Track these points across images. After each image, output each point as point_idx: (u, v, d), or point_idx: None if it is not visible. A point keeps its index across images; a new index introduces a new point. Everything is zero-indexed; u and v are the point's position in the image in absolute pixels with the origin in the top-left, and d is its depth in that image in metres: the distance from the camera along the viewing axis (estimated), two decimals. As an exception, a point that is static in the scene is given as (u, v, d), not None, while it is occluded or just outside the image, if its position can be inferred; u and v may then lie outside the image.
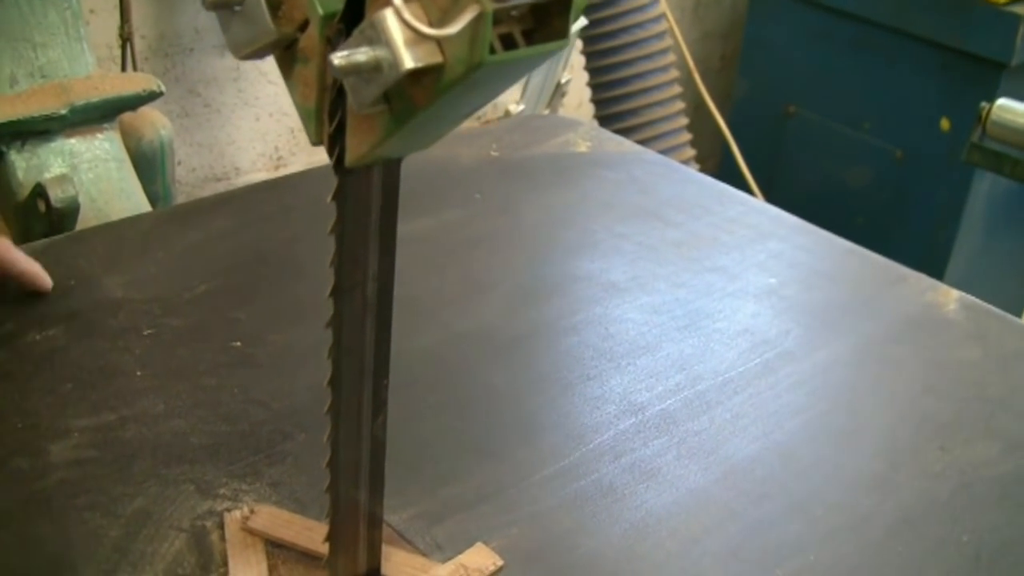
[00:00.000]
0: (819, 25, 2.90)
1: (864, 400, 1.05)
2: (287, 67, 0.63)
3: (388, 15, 0.52)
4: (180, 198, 2.26)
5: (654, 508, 0.89)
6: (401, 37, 0.52)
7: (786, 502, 0.91)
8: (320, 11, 0.59)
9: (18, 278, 1.08)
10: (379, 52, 0.53)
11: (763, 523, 0.89)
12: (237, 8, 0.61)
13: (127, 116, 1.55)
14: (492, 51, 0.53)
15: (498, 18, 0.53)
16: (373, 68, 0.53)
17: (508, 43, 0.54)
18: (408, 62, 0.52)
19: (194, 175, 2.51)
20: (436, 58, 0.53)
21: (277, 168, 2.63)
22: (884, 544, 0.88)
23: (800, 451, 0.97)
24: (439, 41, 0.53)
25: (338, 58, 0.53)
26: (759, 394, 1.04)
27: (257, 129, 2.57)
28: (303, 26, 0.61)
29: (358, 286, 0.67)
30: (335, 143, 0.62)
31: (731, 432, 0.98)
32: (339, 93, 0.60)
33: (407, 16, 0.50)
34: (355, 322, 0.69)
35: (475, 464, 0.93)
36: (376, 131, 0.58)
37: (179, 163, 2.44)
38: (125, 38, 2.09)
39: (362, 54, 0.53)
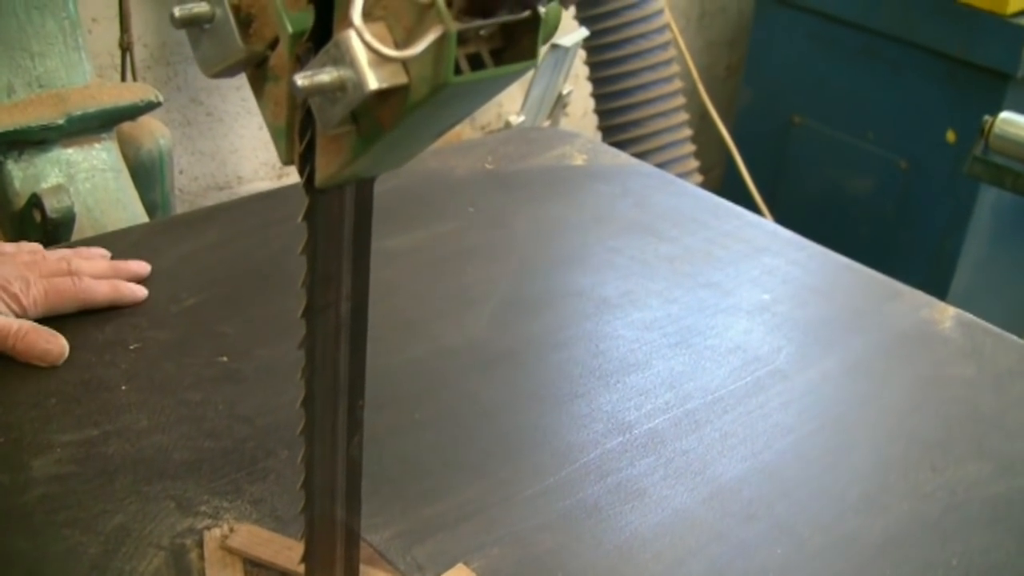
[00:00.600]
0: (825, 35, 2.89)
1: (854, 419, 1.04)
2: (258, 85, 0.62)
3: (351, 35, 0.51)
4: (182, 207, 2.27)
5: (639, 529, 0.88)
6: (365, 57, 0.51)
7: (772, 523, 0.90)
8: (289, 29, 0.58)
9: (106, 306, 1.08)
10: (343, 72, 0.52)
11: (749, 545, 0.88)
12: (207, 26, 0.61)
13: (126, 125, 1.54)
14: (458, 71, 0.52)
15: (466, 37, 0.52)
16: (337, 88, 0.52)
17: (476, 63, 0.53)
18: (372, 83, 0.52)
19: (196, 184, 2.51)
20: (401, 79, 0.52)
21: (280, 177, 2.63)
22: (871, 566, 0.87)
23: (788, 471, 0.96)
24: (404, 62, 0.52)
25: (301, 78, 0.52)
26: (749, 413, 1.03)
27: (260, 137, 2.56)
28: (273, 44, 0.60)
29: (331, 306, 0.67)
30: (305, 162, 0.61)
31: (719, 452, 0.97)
32: (309, 112, 0.59)
33: (368, 37, 0.50)
34: (328, 343, 0.68)
35: (458, 482, 0.92)
36: (344, 151, 0.58)
37: (181, 172, 2.44)
38: (125, 47, 2.09)
39: (326, 74, 0.52)
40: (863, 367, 1.12)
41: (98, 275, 1.09)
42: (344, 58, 0.52)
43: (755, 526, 0.90)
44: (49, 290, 1.04)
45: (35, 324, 1.02)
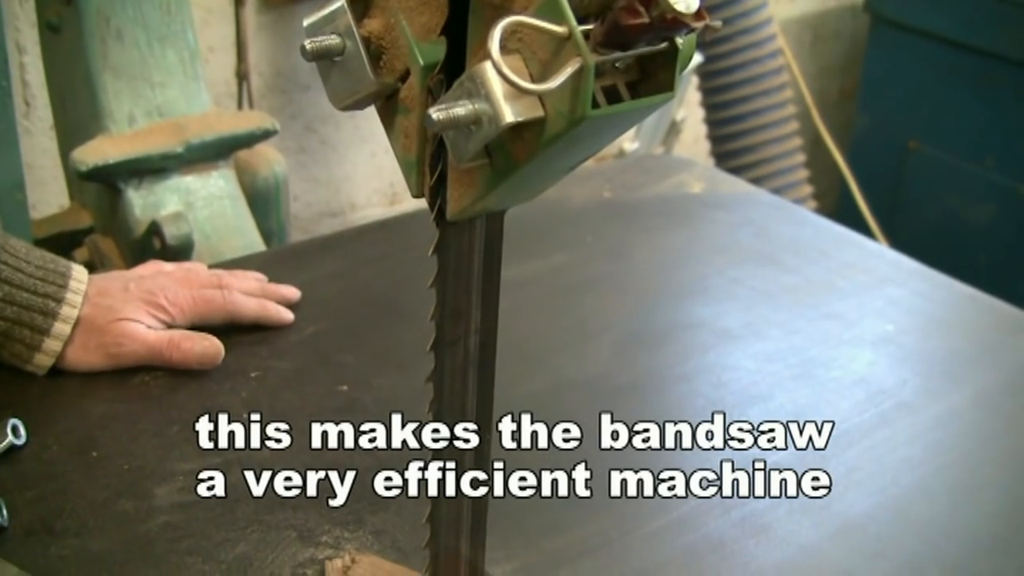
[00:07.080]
0: (941, 58, 2.84)
1: (983, 455, 1.01)
2: (388, 118, 0.62)
3: (488, 68, 0.51)
4: (295, 234, 2.28)
5: (764, 565, 0.87)
6: (501, 90, 0.51)
7: (901, 562, 0.88)
8: (421, 61, 0.58)
9: (252, 323, 1.11)
10: (479, 106, 0.51)
11: (878, 584, 0.86)
12: (337, 59, 0.61)
13: (243, 153, 1.56)
14: (595, 105, 0.51)
15: (602, 70, 0.51)
16: (473, 122, 0.52)
17: (612, 96, 0.53)
18: (509, 116, 0.51)
19: (310, 210, 2.53)
20: (537, 112, 0.51)
21: (392, 204, 2.64)
22: (1006, 609, 0.85)
23: (916, 508, 0.94)
24: (540, 95, 0.51)
25: (436, 111, 0.52)
26: (875, 447, 1.00)
27: (373, 165, 2.58)
28: (404, 76, 0.60)
29: (460, 340, 0.66)
30: (436, 195, 0.61)
31: (845, 487, 0.95)
32: (440, 144, 0.59)
33: (506, 71, 0.49)
34: (456, 376, 0.67)
35: (580, 515, 0.91)
36: (477, 185, 0.57)
37: (295, 199, 2.46)
38: (242, 76, 2.12)
39: (461, 107, 0.52)
40: (991, 402, 1.09)
41: (247, 293, 1.11)
42: (479, 91, 0.51)
43: (883, 565, 0.88)
44: (197, 299, 1.07)
45: (185, 331, 1.05)
